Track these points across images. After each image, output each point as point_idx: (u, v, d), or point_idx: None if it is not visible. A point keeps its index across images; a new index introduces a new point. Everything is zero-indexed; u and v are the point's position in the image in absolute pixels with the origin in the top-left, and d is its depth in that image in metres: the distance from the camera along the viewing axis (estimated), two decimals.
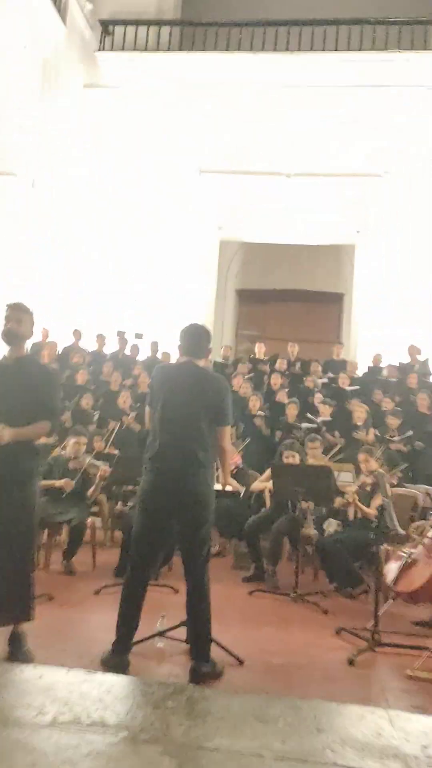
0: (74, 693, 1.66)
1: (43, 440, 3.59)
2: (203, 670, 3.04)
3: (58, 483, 5.29)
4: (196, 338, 3.43)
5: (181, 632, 3.30)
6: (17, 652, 3.11)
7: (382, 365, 9.60)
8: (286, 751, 1.40)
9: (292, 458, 5.60)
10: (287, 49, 11.51)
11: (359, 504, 5.04)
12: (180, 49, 12.10)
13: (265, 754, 1.38)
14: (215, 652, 3.21)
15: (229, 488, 5.31)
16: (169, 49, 11.95)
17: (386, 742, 1.57)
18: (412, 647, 3.62)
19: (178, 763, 1.34)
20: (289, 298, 14.85)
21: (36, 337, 9.46)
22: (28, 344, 3.55)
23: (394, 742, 1.58)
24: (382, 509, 4.02)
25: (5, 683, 1.69)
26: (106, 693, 1.67)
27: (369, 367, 9.77)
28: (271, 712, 1.61)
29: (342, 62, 11.25)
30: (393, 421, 7.21)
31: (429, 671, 3.29)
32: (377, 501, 4.75)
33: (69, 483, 5.29)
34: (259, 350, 9.88)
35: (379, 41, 11.32)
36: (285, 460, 5.61)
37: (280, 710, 1.62)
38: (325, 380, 8.99)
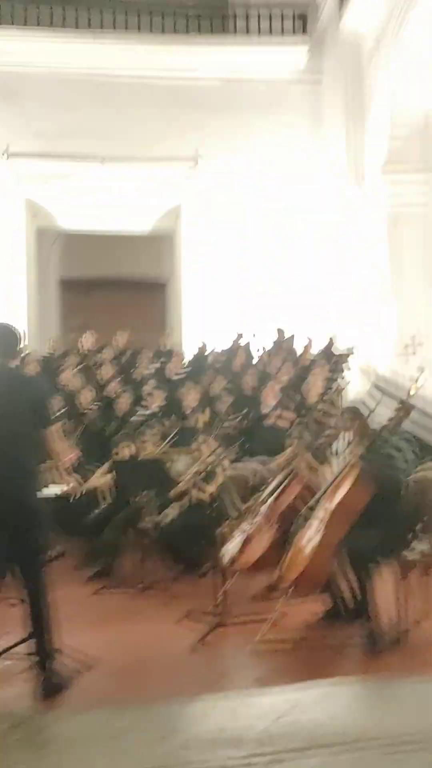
0: None
1: None
2: (52, 682, 2.91)
3: None
4: (3, 338, 3.24)
5: (27, 646, 3.12)
6: None
7: (206, 353, 9.85)
8: (140, 764, 1.37)
9: (127, 448, 5.55)
10: (89, 27, 11.17)
11: (196, 493, 5.14)
12: None
13: None
14: (64, 660, 3.08)
15: (64, 488, 5.17)
16: None
17: (230, 735, 1.60)
18: (256, 617, 3.76)
19: None
20: (113, 287, 14.67)
21: None
22: None
23: (237, 733, 1.62)
24: (219, 491, 4.12)
25: None
26: None
27: (194, 355, 9.97)
28: (120, 725, 1.56)
29: (146, 46, 11.18)
30: (226, 399, 7.43)
31: (273, 636, 3.45)
32: (214, 485, 4.87)
33: None
34: (87, 342, 9.63)
35: (180, 27, 11.43)
36: (121, 452, 5.55)
37: (128, 722, 1.58)
38: (158, 365, 9.01)
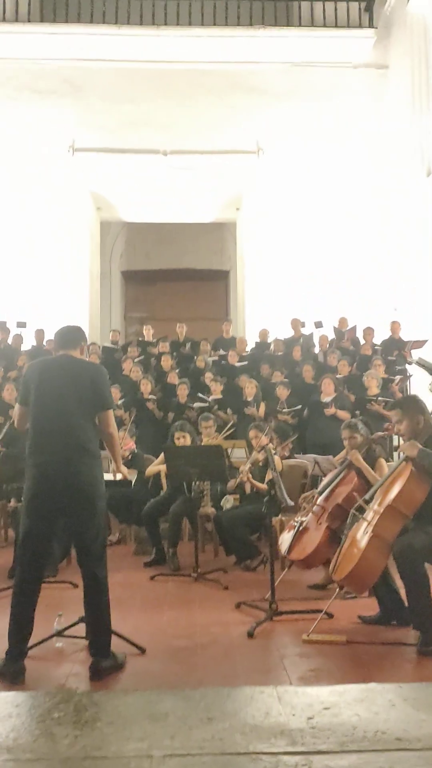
0: None
1: None
2: (103, 665, 2.98)
3: None
4: (68, 333, 3.35)
5: (81, 629, 3.22)
6: None
7: (269, 340, 9.81)
8: (175, 747, 1.39)
9: (183, 439, 5.61)
10: (153, 23, 11.27)
11: (252, 480, 5.16)
12: (41, 20, 11.50)
13: (155, 753, 1.37)
14: (117, 643, 3.17)
15: (119, 476, 5.28)
16: (29, 20, 11.33)
17: (274, 721, 1.60)
18: (307, 612, 3.76)
19: None
20: (175, 277, 14.84)
21: None
22: None
23: (282, 719, 1.62)
24: (272, 483, 4.12)
25: None
26: None
27: (256, 343, 9.96)
28: (161, 707, 1.60)
29: (210, 38, 11.18)
30: (282, 392, 7.42)
31: (323, 634, 3.44)
32: (270, 475, 4.87)
33: None
34: (147, 333, 9.78)
35: (244, 18, 11.35)
36: (176, 442, 5.62)
37: (170, 704, 1.61)
38: (215, 358, 9.08)
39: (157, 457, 6.16)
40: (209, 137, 11.28)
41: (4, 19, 11.24)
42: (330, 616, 3.71)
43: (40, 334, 9.64)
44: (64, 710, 1.60)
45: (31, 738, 1.47)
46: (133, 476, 5.41)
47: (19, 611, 3.03)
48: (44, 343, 9.49)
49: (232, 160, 11.46)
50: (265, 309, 11.02)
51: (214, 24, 11.30)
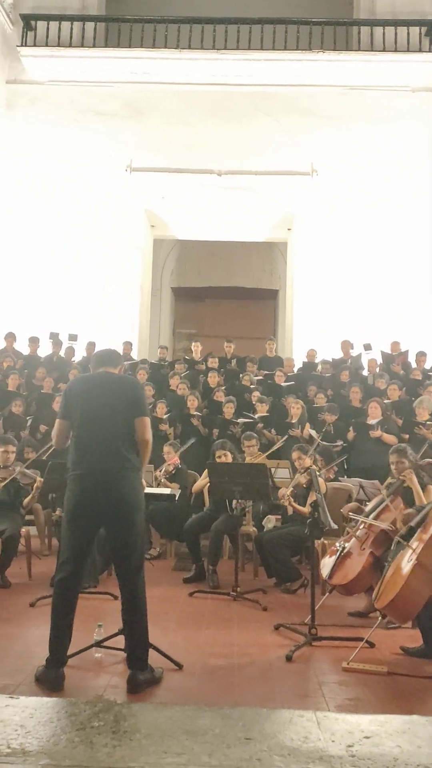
0: None
1: None
2: (141, 678, 3.00)
3: None
4: (107, 354, 3.47)
5: (120, 641, 3.24)
6: None
7: (316, 361, 9.76)
8: (212, 765, 1.39)
9: (224, 457, 5.60)
10: (213, 48, 11.51)
11: (294, 504, 5.11)
12: (105, 45, 11.91)
13: None
14: (154, 657, 3.18)
15: (165, 490, 5.32)
16: (94, 45, 11.74)
17: (312, 746, 1.58)
18: (347, 639, 3.69)
19: None
20: (224, 295, 14.97)
21: None
22: None
23: (320, 744, 1.59)
24: (315, 505, 4.07)
25: None
26: (29, 718, 1.61)
27: (303, 363, 9.92)
28: (199, 723, 1.59)
29: (267, 61, 11.35)
30: (329, 417, 7.35)
31: (363, 662, 3.37)
32: (313, 497, 4.82)
33: None
34: (195, 350, 9.87)
35: (303, 41, 11.48)
36: (218, 460, 5.62)
37: (209, 721, 1.61)
38: (261, 377, 9.07)
39: (200, 473, 6.18)
40: (264, 158, 11.40)
41: (70, 44, 11.67)
42: (371, 645, 3.64)
43: (91, 346, 9.83)
44: (103, 719, 1.62)
45: (71, 745, 1.49)
46: (176, 491, 5.44)
47: (59, 620, 3.08)
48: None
49: (286, 180, 11.54)
50: (313, 329, 10.98)
51: (273, 48, 11.47)
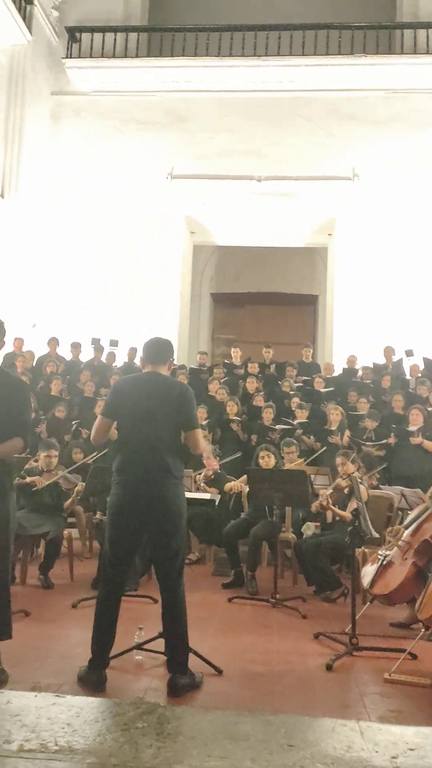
0: (42, 718, 1.64)
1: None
2: (181, 682, 3.02)
3: (29, 479, 5.27)
4: (156, 347, 3.39)
5: (160, 644, 3.28)
6: None
7: (357, 366, 9.67)
8: None
9: (267, 458, 5.60)
10: (255, 54, 11.57)
11: (333, 508, 5.07)
12: (148, 55, 12.09)
13: None
14: (194, 662, 3.20)
15: (205, 495, 5.34)
16: (137, 55, 11.93)
17: (356, 755, 1.57)
18: (389, 650, 3.64)
19: None
20: (263, 300, 14.96)
21: (8, 348, 9.42)
22: None
23: (364, 754, 1.58)
24: (356, 513, 4.03)
25: None
26: (75, 716, 1.65)
27: (344, 369, 9.84)
28: (242, 729, 1.60)
29: (309, 66, 11.34)
30: (370, 424, 7.27)
31: (406, 674, 3.31)
32: (353, 504, 4.78)
33: (41, 480, 5.28)
34: (235, 355, 9.90)
35: (345, 46, 11.43)
36: (261, 461, 5.61)
37: (251, 727, 1.62)
38: (300, 384, 9.04)
39: (239, 478, 6.19)
40: (304, 163, 11.39)
41: (114, 55, 11.88)
42: (414, 656, 3.58)
43: (132, 352, 9.96)
44: (147, 721, 1.64)
45: (117, 745, 1.52)
46: (215, 496, 5.47)
47: (102, 622, 3.12)
48: (135, 361, 9.81)
49: (327, 186, 11.50)
50: (354, 335, 10.88)
51: (315, 53, 11.45)
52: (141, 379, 3.37)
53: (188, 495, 4.54)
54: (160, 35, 12.12)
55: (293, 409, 7.82)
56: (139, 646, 3.46)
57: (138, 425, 3.16)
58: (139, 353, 9.57)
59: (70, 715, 1.65)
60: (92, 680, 3.02)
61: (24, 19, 10.90)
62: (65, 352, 10.20)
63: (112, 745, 1.51)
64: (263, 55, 11.53)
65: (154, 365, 3.34)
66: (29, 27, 11.08)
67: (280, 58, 11.46)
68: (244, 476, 5.82)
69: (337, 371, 9.84)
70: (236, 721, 1.63)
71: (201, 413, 7.69)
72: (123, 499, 3.14)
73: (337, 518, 5.17)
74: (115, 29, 12.06)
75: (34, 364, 9.63)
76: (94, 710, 1.71)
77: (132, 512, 3.13)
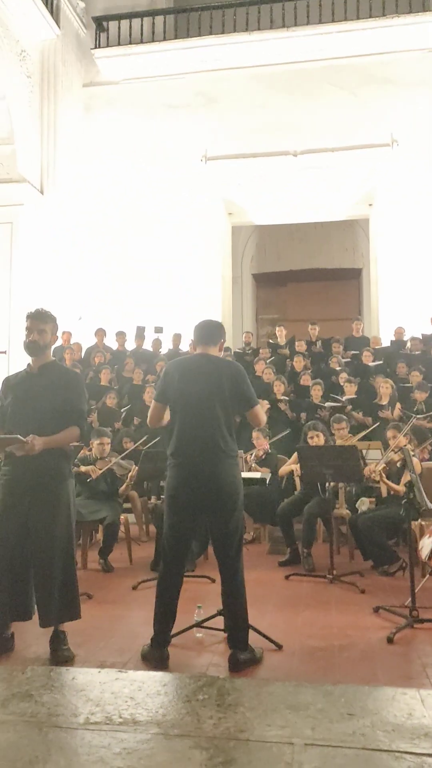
0: (106, 692, 1.70)
1: None
2: (242, 658, 3.07)
3: (84, 468, 5.41)
4: (207, 329, 3.39)
5: (219, 622, 3.33)
6: (58, 652, 3.19)
7: (405, 338, 9.47)
8: (315, 737, 1.41)
9: (316, 438, 5.58)
10: (283, 26, 11.32)
11: (386, 481, 5.00)
12: (175, 37, 11.99)
13: (296, 741, 1.40)
14: (254, 638, 3.24)
15: (256, 475, 5.36)
16: (164, 39, 11.85)
17: (417, 722, 1.56)
18: None
19: (208, 755, 1.36)
20: (306, 277, 14.78)
21: (58, 341, 9.62)
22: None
23: (426, 721, 1.57)
24: (410, 485, 3.97)
25: (41, 686, 1.74)
26: (138, 690, 1.70)
27: (392, 341, 9.65)
28: (301, 699, 1.62)
29: (340, 33, 11.04)
30: (420, 396, 7.13)
31: None
32: (407, 477, 4.71)
33: (95, 470, 5.41)
34: (280, 334, 9.83)
35: (376, 8, 11.05)
36: (309, 441, 5.59)
37: (311, 697, 1.63)
38: (348, 359, 8.92)
39: (290, 457, 6.18)
40: (340, 134, 11.12)
41: (141, 41, 11.84)
42: None
43: (177, 338, 10.03)
44: (208, 693, 1.68)
45: (179, 716, 1.56)
46: (267, 475, 5.48)
47: (163, 602, 3.19)
48: (180, 346, 9.87)
49: (365, 155, 11.20)
50: (400, 306, 10.64)
51: (345, 19, 11.13)
52: (191, 361, 3.39)
53: (241, 474, 4.58)
54: (187, 16, 11.99)
55: (341, 384, 7.73)
56: (199, 624, 3.53)
57: (190, 408, 3.19)
58: (184, 339, 9.73)
59: (133, 689, 1.70)
60: (155, 657, 3.09)
61: (51, 13, 10.97)
62: (112, 342, 10.35)
63: (174, 717, 1.55)
64: (292, 25, 11.27)
65: (205, 347, 3.34)
66: (57, 21, 11.15)
67: (310, 27, 11.19)
68: (295, 455, 5.81)
69: (385, 344, 9.67)
70: (296, 691, 1.65)
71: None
72: (178, 481, 3.18)
73: (392, 492, 5.12)
74: (141, 14, 12.00)
75: (82, 356, 9.81)
76: (156, 684, 1.76)
77: (188, 494, 3.16)
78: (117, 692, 1.66)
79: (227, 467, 3.16)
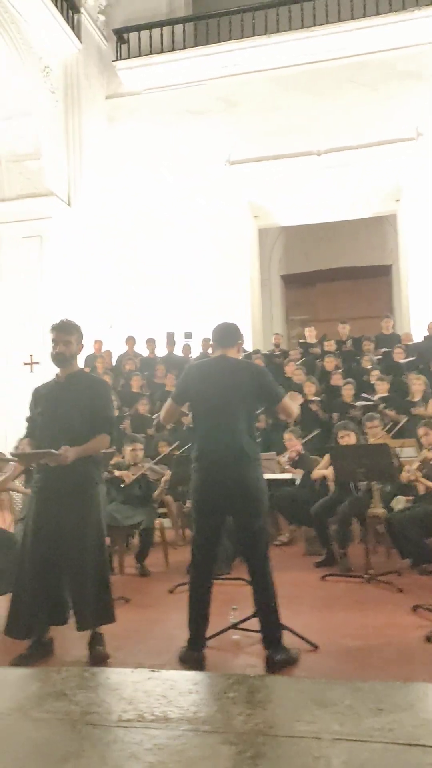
0: (138, 691, 1.73)
1: None
2: (277, 658, 3.07)
3: (117, 473, 5.48)
4: (224, 331, 3.41)
5: (256, 623, 3.33)
6: (96, 654, 3.25)
7: None
8: (343, 733, 1.42)
9: (347, 437, 5.54)
10: (302, 26, 11.32)
11: (423, 480, 4.94)
12: (195, 44, 12.08)
13: (323, 736, 1.40)
14: (290, 639, 3.23)
15: (285, 475, 5.35)
16: (184, 47, 11.96)
17: None
18: None
19: (237, 750, 1.38)
20: (335, 277, 14.69)
21: (89, 350, 9.78)
22: (81, 357, 3.60)
23: None
24: None
25: (75, 686, 1.78)
26: (170, 689, 1.73)
27: (425, 337, 9.52)
28: (330, 695, 1.63)
29: (360, 30, 10.98)
30: None
31: None
32: None
33: (128, 474, 5.47)
34: (309, 335, 9.80)
35: (396, 2, 10.96)
36: (340, 441, 5.56)
37: (340, 693, 1.64)
38: (380, 356, 8.83)
39: (323, 457, 6.15)
40: (364, 130, 11.05)
41: (162, 50, 11.97)
42: None
43: (206, 342, 10.07)
44: (238, 690, 1.70)
45: (209, 713, 1.59)
46: (297, 476, 5.47)
47: (195, 605, 3.20)
48: (209, 351, 9.92)
49: (389, 150, 11.11)
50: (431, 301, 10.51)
51: (365, 15, 11.06)
52: (210, 364, 3.42)
53: (270, 476, 4.59)
54: (206, 23, 12.08)
55: (373, 382, 7.66)
56: (234, 626, 3.54)
57: (211, 411, 3.20)
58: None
59: (165, 688, 1.73)
60: (191, 660, 3.11)
61: (72, 28, 11.19)
62: (142, 349, 10.46)
63: (204, 714, 1.58)
64: (311, 25, 11.26)
65: (224, 349, 3.35)
66: (78, 35, 11.36)
67: (329, 26, 11.16)
68: (326, 459, 5.78)
69: (417, 340, 9.54)
70: (325, 688, 1.66)
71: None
72: (202, 485, 3.20)
73: (429, 489, 5.05)
74: (160, 24, 12.15)
75: (114, 364, 9.94)
76: (188, 683, 1.79)
77: (212, 497, 3.18)
78: (149, 691, 1.70)
79: (251, 470, 3.16)
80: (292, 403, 3.32)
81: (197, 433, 3.28)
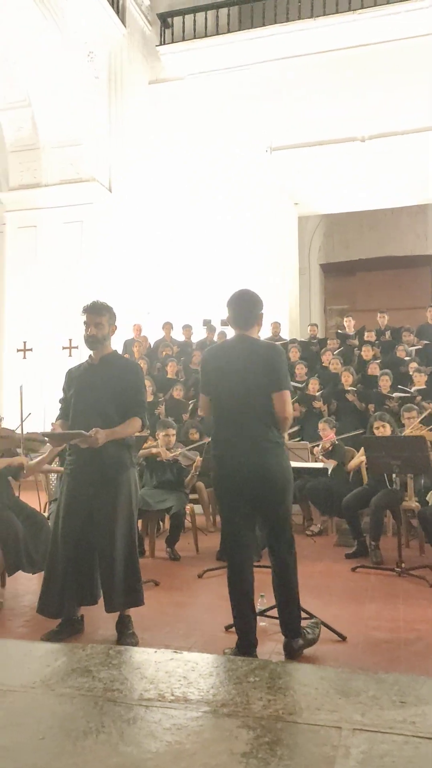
0: (160, 671, 1.74)
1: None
2: (296, 645, 3.05)
3: (155, 450, 5.51)
4: (243, 307, 3.18)
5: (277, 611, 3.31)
6: (124, 635, 3.29)
7: None
8: (364, 723, 1.40)
9: (382, 428, 5.45)
10: (349, 9, 11.07)
11: None
12: (239, 29, 11.95)
13: (344, 726, 1.39)
14: (316, 628, 3.21)
15: (317, 465, 5.30)
16: (228, 31, 11.83)
17: None
18: None
19: (255, 735, 1.38)
20: (376, 266, 14.46)
21: (128, 334, 9.86)
22: (119, 341, 3.54)
23: None
24: None
25: (100, 663, 1.81)
26: (191, 671, 1.74)
27: None
28: (353, 685, 1.61)
29: (407, 12, 10.67)
30: None
31: None
32: None
33: (165, 451, 5.49)
34: (348, 325, 9.67)
35: None
36: (375, 431, 5.48)
37: (363, 684, 1.62)
38: (420, 347, 8.66)
39: (358, 449, 6.08)
40: (409, 116, 10.78)
41: (206, 35, 11.87)
42: None
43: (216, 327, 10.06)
44: (259, 675, 1.69)
45: (229, 696, 1.59)
46: (330, 465, 5.42)
47: (237, 598, 3.06)
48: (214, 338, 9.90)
49: None
50: None
51: None
52: (226, 347, 3.26)
53: (298, 464, 4.54)
54: (251, 6, 11.93)
55: (410, 374, 7.52)
56: (262, 613, 3.53)
57: (228, 396, 3.06)
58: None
59: (187, 669, 1.74)
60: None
61: (117, 12, 11.18)
62: (179, 335, 10.49)
63: (224, 697, 1.57)
64: (358, 8, 11.00)
65: (242, 329, 3.15)
66: (123, 20, 11.36)
67: (376, 9, 10.89)
68: (362, 449, 5.71)
69: None
70: (348, 678, 1.64)
71: (314, 385, 7.62)
72: (222, 472, 3.07)
73: None
74: (204, 8, 12.04)
75: (151, 348, 10.00)
76: (209, 665, 1.79)
77: (234, 484, 3.04)
78: (171, 671, 1.70)
79: (272, 455, 3.00)
80: (291, 405, 3.09)
81: (215, 418, 3.14)
